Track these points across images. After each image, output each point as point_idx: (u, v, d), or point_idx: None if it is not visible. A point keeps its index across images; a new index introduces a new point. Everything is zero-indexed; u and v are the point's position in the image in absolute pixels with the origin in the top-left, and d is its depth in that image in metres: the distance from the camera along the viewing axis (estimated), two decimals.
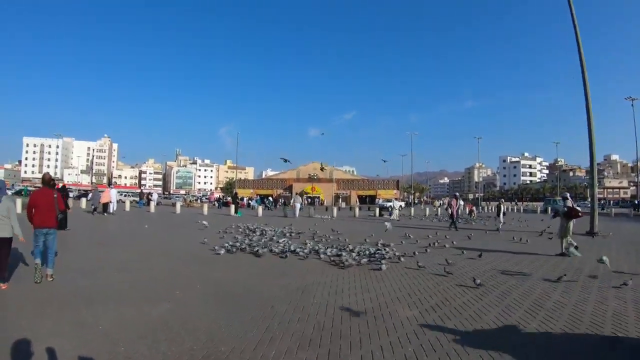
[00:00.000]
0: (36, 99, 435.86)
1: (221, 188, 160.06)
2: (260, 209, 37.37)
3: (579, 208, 15.02)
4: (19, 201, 26.79)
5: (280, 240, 16.20)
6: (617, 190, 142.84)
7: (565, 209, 14.46)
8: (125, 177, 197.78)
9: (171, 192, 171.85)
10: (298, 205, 37.41)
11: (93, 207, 30.64)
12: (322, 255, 12.86)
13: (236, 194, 41.02)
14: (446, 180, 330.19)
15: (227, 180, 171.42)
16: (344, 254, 12.99)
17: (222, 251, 13.41)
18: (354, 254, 13.04)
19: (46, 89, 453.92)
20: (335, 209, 40.26)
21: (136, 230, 20.69)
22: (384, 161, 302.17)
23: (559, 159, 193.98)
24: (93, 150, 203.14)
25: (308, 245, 15.08)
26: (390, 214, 39.30)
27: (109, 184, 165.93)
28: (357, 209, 43.44)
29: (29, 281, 8.73)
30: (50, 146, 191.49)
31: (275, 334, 5.91)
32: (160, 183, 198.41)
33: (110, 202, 32.05)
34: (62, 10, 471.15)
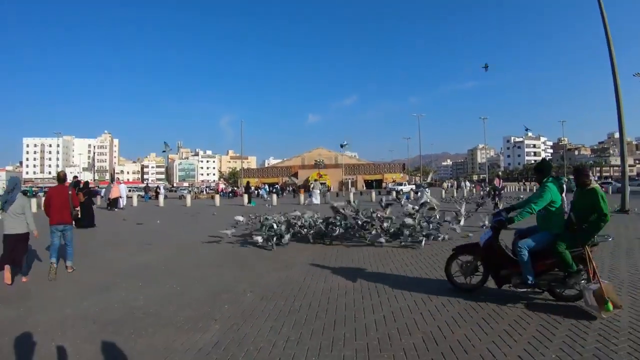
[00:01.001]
0: (34, 99, 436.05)
1: (224, 178, 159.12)
2: (275, 197, 36.38)
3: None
4: (33, 201, 26.94)
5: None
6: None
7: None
8: (128, 172, 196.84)
9: (174, 184, 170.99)
10: (317, 192, 36.49)
11: (107, 202, 31.12)
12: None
13: (248, 183, 39.94)
14: (449, 162, 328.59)
15: (230, 170, 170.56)
16: None
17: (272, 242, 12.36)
18: None
19: (44, 89, 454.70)
20: (351, 195, 39.24)
21: (152, 227, 19.28)
22: (391, 150, 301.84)
23: (562, 138, 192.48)
24: (94, 147, 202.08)
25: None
26: (408, 197, 38.72)
27: (112, 180, 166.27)
28: (373, 194, 42.54)
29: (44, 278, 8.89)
30: (50, 145, 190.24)
31: None
32: (163, 177, 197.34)
33: (120, 197, 32.01)
34: (59, 8, 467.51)
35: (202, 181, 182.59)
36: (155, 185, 73.95)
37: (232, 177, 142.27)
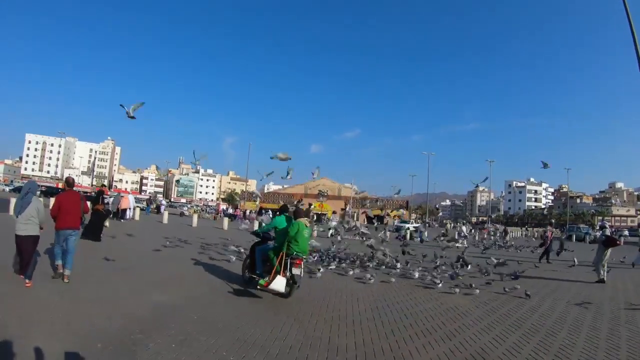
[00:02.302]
0: (41, 96, 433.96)
1: (222, 199, 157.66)
2: None
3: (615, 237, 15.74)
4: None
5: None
6: (625, 218, 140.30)
7: (604, 237, 15.44)
8: (127, 182, 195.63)
9: (171, 199, 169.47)
10: (334, 224, 34.45)
11: (115, 212, 29.12)
12: None
13: (261, 209, 38.22)
14: (447, 202, 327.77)
15: (230, 191, 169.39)
16: None
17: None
18: None
19: (52, 88, 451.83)
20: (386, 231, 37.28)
21: (164, 252, 16.17)
22: (393, 186, 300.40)
23: (563, 186, 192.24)
24: (96, 152, 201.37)
25: None
26: (420, 238, 37.38)
27: (109, 187, 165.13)
28: (387, 232, 40.58)
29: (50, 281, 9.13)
30: (52, 144, 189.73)
31: None
32: (161, 190, 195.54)
33: (129, 208, 31.52)
34: (74, 13, 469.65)
35: (201, 199, 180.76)
36: (158, 198, 71.62)
37: (229, 199, 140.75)
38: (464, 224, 56.63)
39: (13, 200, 22.20)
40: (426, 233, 41.10)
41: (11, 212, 21.44)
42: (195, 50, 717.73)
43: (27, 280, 8.53)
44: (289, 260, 9.78)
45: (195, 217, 37.05)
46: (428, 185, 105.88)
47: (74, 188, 10.71)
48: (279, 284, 9.34)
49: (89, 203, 13.04)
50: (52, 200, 10.18)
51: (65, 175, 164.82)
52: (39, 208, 8.88)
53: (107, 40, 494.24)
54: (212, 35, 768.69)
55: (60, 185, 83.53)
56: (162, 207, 56.53)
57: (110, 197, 29.87)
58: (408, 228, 55.11)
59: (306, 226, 10.20)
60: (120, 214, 29.95)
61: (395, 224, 66.87)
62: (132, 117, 16.53)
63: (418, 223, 71.69)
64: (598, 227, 22.03)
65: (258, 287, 9.80)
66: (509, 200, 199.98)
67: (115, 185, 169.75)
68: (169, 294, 9.27)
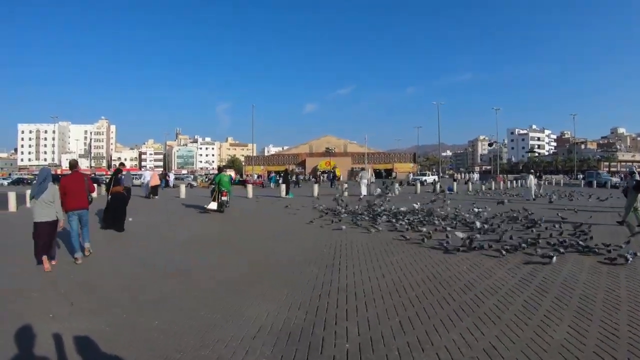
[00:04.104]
0: (30, 84, 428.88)
1: (224, 166, 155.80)
2: (316, 187, 32.28)
3: None
4: None
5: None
6: (631, 163, 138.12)
7: (634, 182, 15.12)
8: (125, 159, 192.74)
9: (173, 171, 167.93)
10: (365, 182, 32.51)
11: (148, 192, 29.88)
12: None
13: (287, 171, 36.10)
14: (448, 153, 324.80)
15: (230, 157, 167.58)
16: None
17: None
18: None
19: (39, 74, 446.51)
20: (396, 185, 35.42)
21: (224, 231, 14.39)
22: (397, 140, 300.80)
23: (565, 132, 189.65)
24: (91, 133, 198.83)
25: None
26: (451, 190, 36.11)
27: (109, 166, 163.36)
28: (418, 185, 38.73)
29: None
30: (46, 132, 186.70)
31: None
32: (161, 164, 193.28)
33: (159, 184, 32.03)
34: None
35: (202, 168, 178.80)
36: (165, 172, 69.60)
37: (230, 165, 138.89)
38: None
39: (12, 195, 21.48)
40: (455, 184, 40.08)
41: (11, 208, 21.07)
42: (179, 15, 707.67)
43: (46, 264, 8.74)
44: (218, 193, 19.68)
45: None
46: (439, 136, 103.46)
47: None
48: (212, 205, 19.40)
49: (96, 185, 12.95)
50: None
51: (63, 160, 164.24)
52: (55, 193, 9.03)
53: (82, 15, 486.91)
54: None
55: (59, 172, 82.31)
56: (171, 181, 54.67)
57: (135, 175, 28.69)
58: (435, 180, 53.94)
59: (225, 175, 20.79)
60: (152, 191, 29.63)
61: (412, 177, 64.79)
62: None
63: (431, 175, 70.23)
64: (627, 173, 21.15)
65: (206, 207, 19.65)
66: (512, 149, 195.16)
67: (118, 164, 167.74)
68: None
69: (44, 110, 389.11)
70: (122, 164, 16.33)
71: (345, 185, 33.53)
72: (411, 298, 6.54)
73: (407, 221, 14.44)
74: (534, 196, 27.73)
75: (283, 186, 31.06)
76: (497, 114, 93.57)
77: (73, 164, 10.39)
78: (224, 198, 19.67)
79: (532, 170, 43.36)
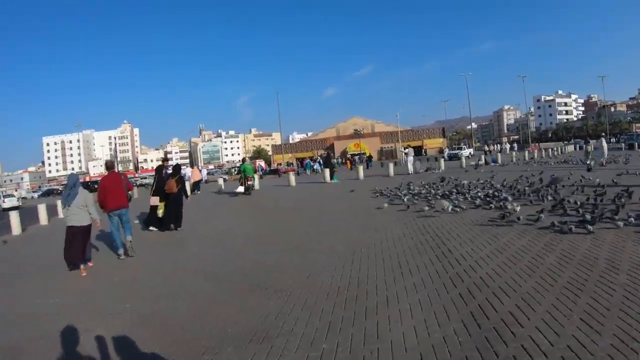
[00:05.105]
0: (50, 98, 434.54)
1: (249, 157, 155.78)
2: (361, 169, 30.76)
3: None
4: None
5: None
6: None
7: None
8: (151, 160, 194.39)
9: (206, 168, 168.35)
10: (411, 159, 30.83)
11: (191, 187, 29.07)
12: None
13: (329, 154, 34.70)
14: (474, 125, 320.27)
15: (255, 148, 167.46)
16: None
17: None
18: None
19: (59, 87, 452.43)
20: (442, 161, 33.75)
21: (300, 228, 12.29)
22: (423, 116, 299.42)
23: (592, 95, 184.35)
24: (115, 138, 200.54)
25: None
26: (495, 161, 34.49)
27: (136, 169, 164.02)
28: (463, 160, 36.75)
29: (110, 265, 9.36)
30: (71, 141, 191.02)
31: None
32: (187, 161, 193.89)
33: (202, 179, 32.98)
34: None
35: (228, 161, 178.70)
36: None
37: (256, 156, 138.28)
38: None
39: (43, 208, 21.06)
40: (499, 155, 38.72)
41: (43, 221, 20.44)
42: (195, 13, 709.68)
43: (82, 267, 8.77)
44: (244, 179, 24.27)
45: (257, 179, 32.51)
46: (470, 108, 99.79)
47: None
48: (240, 189, 23.81)
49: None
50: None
51: (90, 167, 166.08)
52: (87, 197, 8.98)
53: (101, 20, 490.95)
54: None
55: (87, 179, 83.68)
56: (204, 177, 53.55)
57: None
58: (487, 152, 52.59)
59: (248, 164, 26.86)
60: (194, 186, 29.57)
61: (448, 152, 62.70)
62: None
63: (465, 148, 68.37)
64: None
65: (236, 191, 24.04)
66: (540, 116, 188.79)
67: (142, 166, 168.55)
68: None
69: (66, 121, 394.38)
70: (164, 159, 14.61)
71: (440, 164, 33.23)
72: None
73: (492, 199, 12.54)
74: (604, 161, 25.34)
75: (327, 171, 29.47)
76: (523, 82, 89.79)
77: (110, 165, 10.61)
78: (249, 182, 24.66)
79: (604, 134, 40.85)
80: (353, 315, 5.01)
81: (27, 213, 23.95)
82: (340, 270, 6.99)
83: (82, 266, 8.80)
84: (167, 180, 12.88)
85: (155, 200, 13.04)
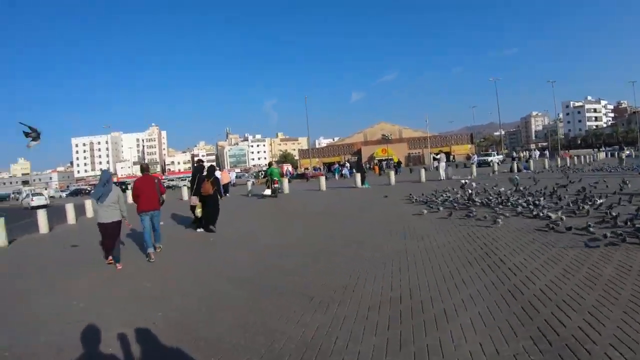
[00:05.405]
0: (79, 100, 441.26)
1: (276, 161, 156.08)
2: (392, 175, 30.56)
3: None
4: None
5: None
6: None
7: None
8: (178, 163, 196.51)
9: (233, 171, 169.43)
10: (443, 165, 30.51)
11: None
12: None
13: (360, 160, 34.65)
14: (501, 132, 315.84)
15: (281, 152, 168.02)
16: None
17: None
18: None
19: (88, 88, 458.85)
20: (474, 168, 33.36)
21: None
22: (450, 122, 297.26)
23: (622, 102, 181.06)
24: (142, 140, 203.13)
25: None
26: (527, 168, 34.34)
27: (163, 171, 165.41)
28: (496, 166, 36.30)
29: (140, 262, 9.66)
30: (99, 143, 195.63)
31: None
32: (214, 164, 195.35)
33: (230, 182, 34.08)
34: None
35: (254, 165, 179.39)
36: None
37: (282, 160, 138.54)
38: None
39: (70, 207, 21.16)
40: (531, 162, 38.28)
41: (70, 221, 20.60)
42: (220, 16, 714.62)
43: (118, 264, 9.15)
44: (271, 182, 24.77)
45: (286, 182, 31.94)
46: (499, 115, 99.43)
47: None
48: (267, 192, 24.45)
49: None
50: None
51: (118, 168, 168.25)
52: (119, 195, 9.32)
53: (131, 24, 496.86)
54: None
55: (115, 180, 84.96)
56: (233, 180, 53.81)
57: (189, 177, 29.19)
58: (516, 159, 52.03)
59: (275, 168, 27.36)
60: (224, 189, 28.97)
61: (476, 158, 62.20)
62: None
63: (495, 154, 67.54)
64: None
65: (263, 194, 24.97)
66: (568, 122, 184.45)
67: (169, 168, 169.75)
68: None
69: (95, 123, 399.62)
70: (201, 160, 14.79)
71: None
72: None
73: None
74: None
75: (358, 176, 29.33)
76: (552, 87, 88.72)
77: (145, 168, 11.10)
78: (275, 185, 25.60)
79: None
80: (412, 330, 4.74)
81: (55, 212, 24.33)
82: (388, 280, 6.76)
83: (111, 260, 9.27)
84: (202, 182, 13.02)
85: (195, 200, 13.25)
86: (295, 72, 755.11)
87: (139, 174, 11.99)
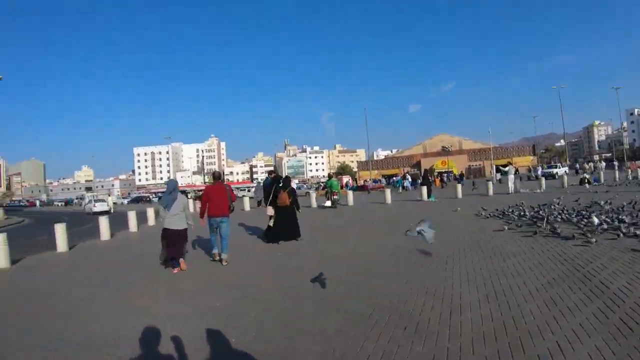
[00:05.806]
0: (142, 109, 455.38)
1: (334, 173, 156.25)
2: (459, 188, 29.89)
3: None
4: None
5: None
6: None
7: None
8: (237, 173, 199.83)
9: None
10: (512, 177, 29.71)
11: (258, 200, 31.18)
12: None
13: (426, 172, 34.21)
14: (562, 142, 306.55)
15: (339, 164, 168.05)
16: None
17: None
18: None
19: (151, 99, 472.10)
20: (543, 181, 32.33)
21: None
22: (511, 133, 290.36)
23: None
24: (202, 151, 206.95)
25: None
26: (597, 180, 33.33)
27: (222, 181, 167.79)
28: (565, 179, 34.77)
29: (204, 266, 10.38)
30: (160, 153, 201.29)
31: None
32: (289, 175, 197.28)
33: None
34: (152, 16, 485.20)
35: (312, 177, 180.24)
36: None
37: (340, 172, 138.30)
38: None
39: (132, 215, 21.68)
40: (601, 174, 37.05)
41: (132, 228, 21.14)
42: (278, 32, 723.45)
43: (174, 269, 9.63)
44: (330, 194, 27.89)
45: (350, 194, 31.69)
46: (563, 124, 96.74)
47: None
48: (327, 203, 27.61)
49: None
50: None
51: (178, 177, 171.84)
52: (185, 204, 9.82)
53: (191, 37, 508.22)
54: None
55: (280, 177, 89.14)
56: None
57: (249, 188, 30.64)
58: (576, 172, 50.52)
59: (334, 180, 30.56)
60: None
61: (541, 171, 60.25)
62: None
63: (560, 166, 65.50)
64: None
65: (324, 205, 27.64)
66: (633, 132, 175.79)
67: (228, 179, 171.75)
68: None
69: (156, 133, 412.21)
70: (273, 171, 14.62)
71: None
72: None
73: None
74: None
75: (424, 189, 28.98)
76: (617, 94, 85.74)
77: (217, 176, 11.62)
78: (335, 197, 27.82)
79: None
80: None
81: (117, 218, 25.39)
82: (485, 306, 6.11)
83: (178, 264, 9.67)
84: (279, 193, 12.94)
85: (271, 210, 13.23)
86: (352, 83, 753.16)
87: (198, 183, 12.62)
